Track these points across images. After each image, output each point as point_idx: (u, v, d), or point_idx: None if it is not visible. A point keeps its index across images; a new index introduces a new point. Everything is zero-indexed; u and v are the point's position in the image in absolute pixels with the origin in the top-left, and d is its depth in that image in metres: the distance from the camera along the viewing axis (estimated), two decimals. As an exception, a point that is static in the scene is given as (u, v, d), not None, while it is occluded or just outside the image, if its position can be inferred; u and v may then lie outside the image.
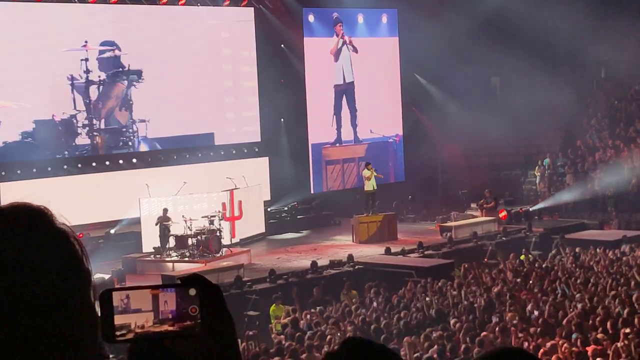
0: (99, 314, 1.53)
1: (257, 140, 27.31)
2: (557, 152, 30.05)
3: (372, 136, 29.47)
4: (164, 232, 20.76)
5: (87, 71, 22.07)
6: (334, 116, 28.90)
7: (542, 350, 11.51)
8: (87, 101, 22.08)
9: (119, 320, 1.53)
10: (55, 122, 22.37)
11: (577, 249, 20.59)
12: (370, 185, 24.26)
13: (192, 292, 1.54)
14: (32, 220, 1.44)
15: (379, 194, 25.27)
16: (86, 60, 22.15)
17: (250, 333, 14.69)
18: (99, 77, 22.54)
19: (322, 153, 28.46)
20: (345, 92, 29.19)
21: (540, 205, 27.31)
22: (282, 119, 27.76)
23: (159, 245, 20.78)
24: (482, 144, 29.70)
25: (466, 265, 19.02)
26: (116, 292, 1.54)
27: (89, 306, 1.46)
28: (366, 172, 24.36)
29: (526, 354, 2.01)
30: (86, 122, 22.77)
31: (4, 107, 21.09)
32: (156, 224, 20.88)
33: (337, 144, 28.99)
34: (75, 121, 22.59)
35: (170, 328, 1.53)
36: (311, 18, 28.23)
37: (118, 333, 1.52)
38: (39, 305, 1.38)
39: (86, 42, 22.14)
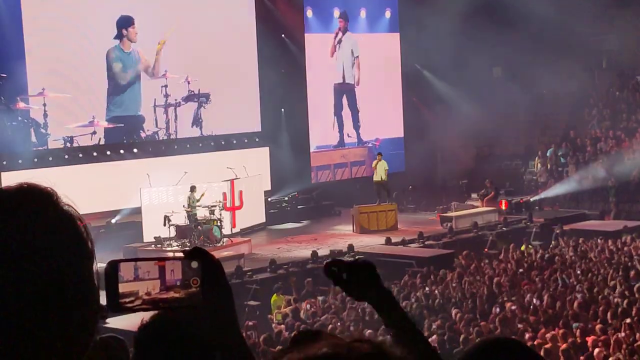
0: (105, 284, 1.56)
1: (258, 130, 27.32)
2: (558, 142, 30.03)
3: (350, 140, 29.45)
4: (190, 217, 20.62)
5: (167, 95, 25.10)
6: (335, 117, 29.00)
7: (542, 341, 11.53)
8: (166, 120, 25.46)
9: (127, 288, 1.58)
10: (142, 138, 24.98)
11: (578, 240, 20.61)
12: (377, 176, 24.45)
13: (194, 264, 1.59)
14: (39, 202, 1.43)
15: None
16: (166, 86, 25.05)
17: (251, 323, 14.71)
18: (175, 100, 25.43)
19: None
20: (345, 92, 29.21)
21: (541, 195, 27.32)
22: (282, 109, 27.77)
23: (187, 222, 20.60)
24: (483, 134, 29.70)
25: (466, 255, 19.05)
26: (123, 262, 1.59)
27: (93, 288, 1.46)
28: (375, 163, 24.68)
29: (520, 344, 2.01)
30: (165, 137, 25.43)
31: (108, 127, 24.23)
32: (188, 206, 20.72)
33: (340, 147, 29.07)
34: (157, 137, 25.29)
35: (177, 295, 1.57)
36: (310, 13, 28.30)
37: (127, 300, 1.57)
38: (46, 288, 1.38)
39: (166, 71, 24.90)
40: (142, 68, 24.90)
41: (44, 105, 22.79)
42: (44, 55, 22.80)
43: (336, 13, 28.93)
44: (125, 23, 24.21)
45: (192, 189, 20.81)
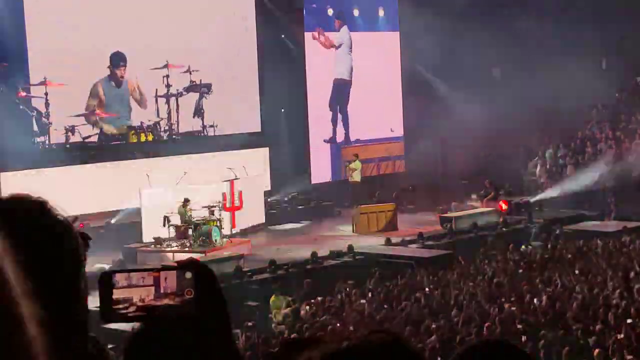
0: (99, 294, 1.56)
1: (258, 130, 27.30)
2: (557, 143, 30.01)
3: (394, 135, 29.50)
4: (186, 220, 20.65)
5: (168, 85, 25.04)
6: (335, 113, 29.13)
7: (542, 342, 11.53)
8: (168, 110, 25.50)
9: (121, 294, 1.56)
10: (144, 128, 24.83)
11: (578, 240, 20.60)
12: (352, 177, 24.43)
13: (188, 275, 1.58)
14: (33, 212, 1.44)
15: (379, 185, 25.22)
16: (167, 76, 25.01)
17: (250, 324, 14.71)
18: (177, 90, 25.38)
19: (342, 152, 28.59)
20: (340, 89, 29.25)
21: (541, 196, 27.30)
22: (282, 109, 27.75)
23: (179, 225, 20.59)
24: (483, 134, 29.65)
25: (466, 256, 19.06)
26: (117, 273, 1.58)
27: (82, 291, 1.48)
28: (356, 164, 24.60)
29: (512, 346, 2.00)
30: (167, 127, 25.33)
31: (104, 115, 24.43)
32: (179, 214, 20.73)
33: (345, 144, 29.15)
34: (158, 127, 25.23)
35: (171, 302, 1.56)
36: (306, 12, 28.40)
37: (121, 306, 1.56)
38: (52, 295, 1.39)
39: (167, 61, 24.79)
40: (133, 98, 25.05)
41: (46, 94, 22.74)
42: (45, 44, 22.68)
43: (331, 12, 28.89)
44: (115, 61, 24.37)
45: (185, 201, 20.74)
